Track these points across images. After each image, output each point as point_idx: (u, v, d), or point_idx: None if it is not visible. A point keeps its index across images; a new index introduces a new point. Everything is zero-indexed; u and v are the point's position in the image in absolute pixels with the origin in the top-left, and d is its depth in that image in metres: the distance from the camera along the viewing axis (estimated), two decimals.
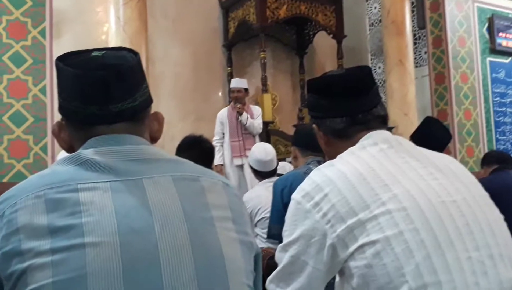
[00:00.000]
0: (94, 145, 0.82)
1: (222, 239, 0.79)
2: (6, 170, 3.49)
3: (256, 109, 4.84)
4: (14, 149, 3.53)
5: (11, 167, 3.51)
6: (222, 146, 4.77)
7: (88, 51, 0.88)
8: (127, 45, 3.94)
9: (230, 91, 4.92)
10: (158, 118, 0.94)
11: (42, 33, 3.71)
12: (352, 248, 0.98)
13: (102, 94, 0.82)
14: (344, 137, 1.16)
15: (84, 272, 0.68)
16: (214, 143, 4.77)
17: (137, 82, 0.87)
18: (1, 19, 3.58)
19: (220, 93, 5.93)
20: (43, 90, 3.62)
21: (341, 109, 1.16)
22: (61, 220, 0.72)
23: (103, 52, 0.87)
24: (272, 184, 2.38)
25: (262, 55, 5.32)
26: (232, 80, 5.06)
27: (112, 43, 4.16)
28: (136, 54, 0.90)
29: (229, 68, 5.85)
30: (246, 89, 4.84)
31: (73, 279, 0.68)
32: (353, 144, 1.12)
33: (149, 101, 0.90)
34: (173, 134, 4.70)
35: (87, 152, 0.80)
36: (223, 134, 4.78)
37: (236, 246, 0.81)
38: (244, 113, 4.61)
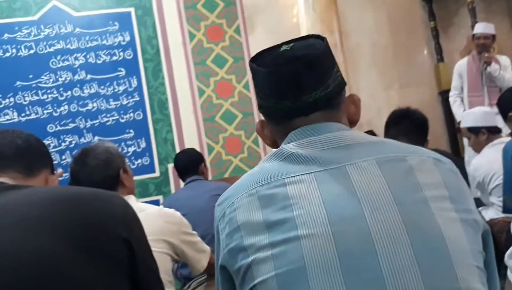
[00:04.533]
0: (294, 138, 0.88)
1: (441, 220, 0.76)
2: (225, 166, 3.92)
3: (504, 59, 4.32)
4: (229, 146, 3.94)
5: (230, 163, 3.93)
6: (462, 101, 4.39)
7: (277, 46, 0.94)
8: (318, 24, 4.03)
9: (474, 37, 4.43)
10: (354, 100, 0.96)
11: (237, 31, 4.04)
12: None
13: (295, 87, 0.87)
14: None
15: (303, 263, 0.74)
16: (451, 98, 4.45)
17: (327, 69, 0.89)
18: (200, 26, 4.01)
19: (425, 52, 5.61)
20: (246, 86, 3.95)
21: None
22: (275, 214, 0.78)
23: (292, 44, 0.92)
24: (503, 145, 2.16)
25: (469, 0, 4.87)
26: (477, 24, 4.58)
27: (303, 25, 4.29)
28: (323, 39, 0.93)
29: (432, 23, 5.48)
30: (493, 36, 4.36)
31: (294, 271, 0.74)
32: None
33: (342, 85, 0.92)
34: (378, 106, 4.64)
35: (289, 146, 0.86)
36: (462, 88, 4.41)
37: (457, 226, 0.78)
38: (493, 64, 4.17)
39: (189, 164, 2.87)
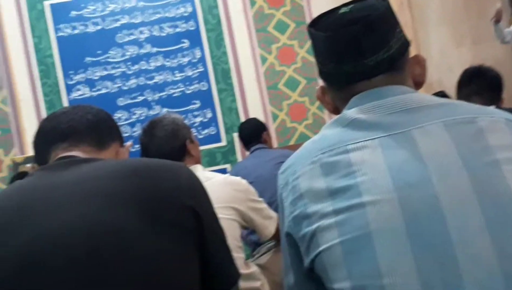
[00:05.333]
0: (357, 104, 0.86)
1: None
2: (290, 133, 3.92)
3: None
4: (293, 113, 3.93)
5: (294, 130, 3.93)
6: None
7: (336, 9, 0.91)
8: None
9: None
10: (419, 61, 0.92)
11: None
12: None
13: (355, 50, 0.85)
14: None
15: (368, 230, 0.73)
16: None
17: (389, 29, 0.86)
18: None
19: (499, 4, 5.27)
20: (309, 51, 3.89)
21: None
22: (337, 182, 0.78)
23: (351, 6, 0.90)
24: None
25: None
26: None
27: None
28: None
29: None
30: None
31: (359, 238, 0.74)
32: None
33: (405, 45, 0.88)
34: (449, 64, 4.43)
35: (351, 112, 0.85)
36: None
37: None
38: None
39: (252, 133, 2.94)
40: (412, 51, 0.90)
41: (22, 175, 2.66)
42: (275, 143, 3.76)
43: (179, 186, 0.85)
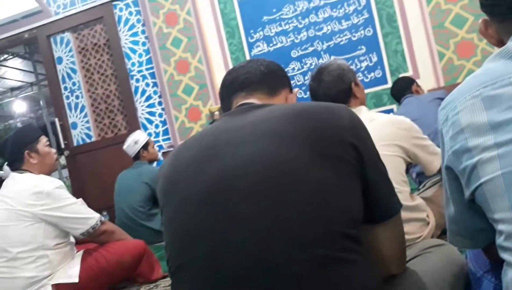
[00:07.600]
0: None
1: None
2: (458, 71, 3.58)
3: None
4: (461, 51, 3.57)
5: (462, 67, 3.58)
6: None
7: None
8: None
9: None
10: None
11: None
12: None
13: None
14: None
15: None
16: None
17: None
18: None
19: None
20: None
21: None
22: (500, 115, 0.71)
23: None
24: None
25: None
26: None
27: None
28: None
29: None
30: None
31: None
32: None
33: None
34: None
35: None
36: None
37: None
38: None
39: (402, 87, 2.96)
40: None
41: None
42: (441, 82, 3.49)
43: (340, 125, 0.85)
